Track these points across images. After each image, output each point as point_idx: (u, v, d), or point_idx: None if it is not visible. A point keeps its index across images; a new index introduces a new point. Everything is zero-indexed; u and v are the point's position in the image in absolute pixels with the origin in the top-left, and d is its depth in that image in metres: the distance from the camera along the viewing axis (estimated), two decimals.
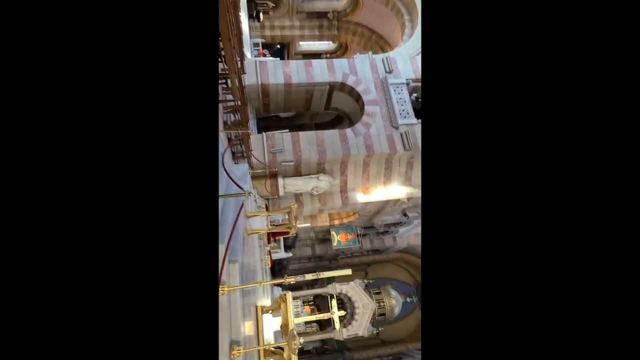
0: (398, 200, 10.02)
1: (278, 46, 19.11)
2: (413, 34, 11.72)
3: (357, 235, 12.72)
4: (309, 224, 11.41)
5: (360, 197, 9.69)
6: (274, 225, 7.67)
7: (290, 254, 13.30)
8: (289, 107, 10.98)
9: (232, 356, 3.28)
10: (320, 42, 19.49)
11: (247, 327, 4.42)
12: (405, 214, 12.37)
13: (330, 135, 9.26)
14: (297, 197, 9.40)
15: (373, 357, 16.17)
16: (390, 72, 9.98)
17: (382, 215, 12.13)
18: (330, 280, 13.66)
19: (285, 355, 4.71)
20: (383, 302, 15.26)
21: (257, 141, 8.80)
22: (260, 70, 9.66)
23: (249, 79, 9.33)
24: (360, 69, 10.04)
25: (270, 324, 6.62)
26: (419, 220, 13.94)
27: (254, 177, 8.71)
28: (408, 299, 15.96)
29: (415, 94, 10.03)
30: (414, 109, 9.66)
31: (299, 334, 4.88)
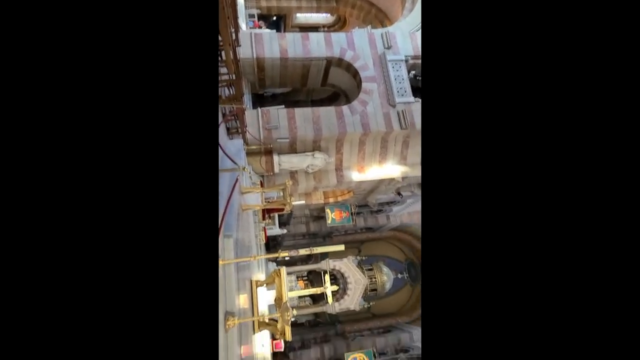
0: (393, 179, 10.07)
1: (274, 18, 18.43)
2: (413, 9, 11.35)
3: (351, 214, 12.87)
4: (303, 202, 11.48)
5: (355, 176, 9.71)
6: (268, 201, 7.70)
7: (285, 231, 13.45)
8: (285, 83, 10.74)
9: (226, 326, 3.37)
10: (318, 15, 18.82)
11: (242, 300, 4.53)
12: (399, 193, 12.48)
13: (327, 112, 9.14)
14: (292, 174, 9.39)
15: (364, 329, 16.80)
16: (389, 48, 9.73)
17: (376, 194, 12.23)
18: (324, 256, 13.95)
19: (278, 326, 4.87)
20: (375, 278, 15.70)
21: (252, 117, 8.66)
22: (256, 43, 9.36)
23: (244, 51, 9.04)
24: (358, 44, 9.77)
25: (265, 298, 6.80)
26: (413, 200, 14.09)
27: (248, 153, 8.64)
28: (399, 276, 16.45)
29: (413, 72, 9.85)
30: (412, 87, 9.51)
31: (293, 307, 5.02)
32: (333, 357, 13.96)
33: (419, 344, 15.14)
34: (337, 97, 12.74)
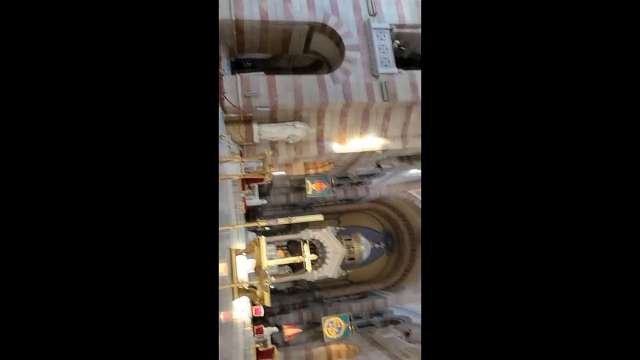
0: (373, 152, 10.12)
1: None
2: None
3: (332, 185, 12.96)
4: (284, 173, 11.43)
5: (336, 147, 9.68)
6: (248, 172, 7.60)
7: (265, 201, 13.47)
8: (265, 48, 10.27)
9: None
10: None
11: (221, 268, 4.56)
12: (379, 166, 12.61)
13: (308, 80, 8.89)
14: (273, 144, 9.24)
15: (341, 295, 17.58)
16: (374, 15, 9.41)
17: (356, 166, 12.31)
18: (304, 226, 14.17)
19: (257, 292, 5.00)
20: (353, 247, 16.25)
21: (231, 83, 8.30)
22: (234, 4, 8.78)
23: (221, 11, 8.49)
24: (342, 9, 9.38)
25: (245, 266, 6.88)
26: (392, 172, 14.33)
27: (227, 121, 8.37)
28: (376, 245, 17.10)
29: (397, 41, 9.64)
30: (395, 58, 9.35)
31: (273, 276, 5.12)
32: (311, 321, 14.63)
33: (392, 309, 16.07)
34: (319, 65, 12.37)
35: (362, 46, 9.25)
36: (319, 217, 4.79)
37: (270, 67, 12.71)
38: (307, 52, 10.61)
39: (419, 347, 10.91)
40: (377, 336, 12.12)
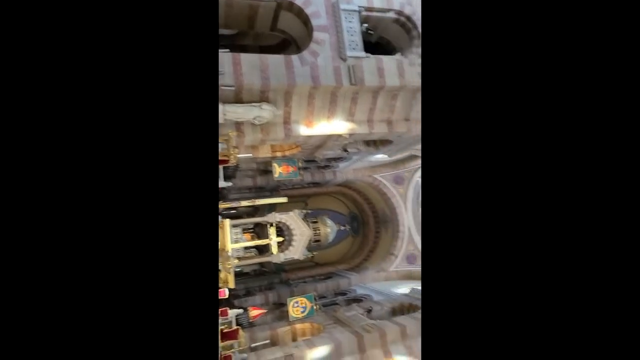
0: (340, 135, 10.18)
1: None
2: None
3: (299, 168, 12.92)
4: (250, 155, 11.20)
5: (303, 130, 9.61)
6: None
7: (230, 184, 13.18)
8: (230, 24, 9.80)
9: None
10: None
11: None
12: (345, 150, 12.74)
13: (275, 60, 8.65)
14: (238, 125, 8.97)
15: (307, 276, 17.95)
16: None
17: (323, 150, 12.35)
18: (271, 209, 14.12)
19: (222, 275, 4.97)
20: (319, 230, 16.51)
21: None
22: None
23: None
24: None
25: None
26: (359, 156, 14.57)
27: None
28: (342, 228, 17.51)
29: (365, 25, 9.61)
30: (363, 42, 9.34)
31: (239, 258, 5.09)
32: (277, 302, 14.84)
33: (355, 288, 16.72)
34: (287, 45, 12.05)
35: (330, 27, 9.12)
36: (283, 200, 4.80)
37: (235, 44, 12.17)
38: (274, 30, 10.28)
39: (379, 322, 11.51)
40: (341, 314, 12.59)
